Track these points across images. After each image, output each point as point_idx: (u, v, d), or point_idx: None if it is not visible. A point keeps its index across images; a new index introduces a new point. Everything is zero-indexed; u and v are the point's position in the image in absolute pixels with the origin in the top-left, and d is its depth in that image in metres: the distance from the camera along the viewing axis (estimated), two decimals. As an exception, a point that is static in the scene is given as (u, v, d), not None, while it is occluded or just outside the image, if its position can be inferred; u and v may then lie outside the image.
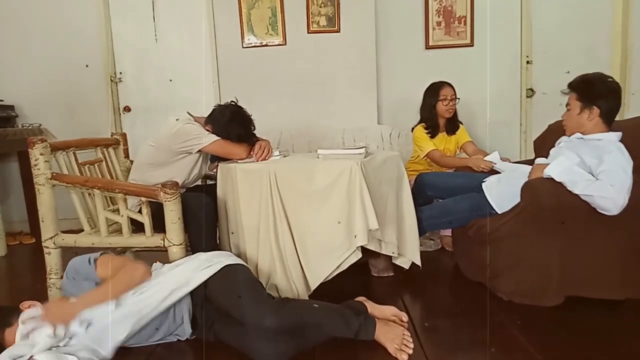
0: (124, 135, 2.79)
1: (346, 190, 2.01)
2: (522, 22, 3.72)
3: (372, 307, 1.82)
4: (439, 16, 3.70)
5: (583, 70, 2.07)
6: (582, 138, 2.03)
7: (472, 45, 3.72)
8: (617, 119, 2.07)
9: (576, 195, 1.84)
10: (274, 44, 3.62)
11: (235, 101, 2.37)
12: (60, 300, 1.68)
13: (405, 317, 1.82)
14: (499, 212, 2.11)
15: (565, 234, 1.93)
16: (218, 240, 2.33)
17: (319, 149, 2.26)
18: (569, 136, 2.10)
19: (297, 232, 2.09)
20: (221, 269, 1.74)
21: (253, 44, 3.62)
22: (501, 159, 2.58)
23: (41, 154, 2.10)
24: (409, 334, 1.70)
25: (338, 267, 2.05)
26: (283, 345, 1.59)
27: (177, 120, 2.28)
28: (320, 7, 3.55)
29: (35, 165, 2.10)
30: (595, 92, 1.98)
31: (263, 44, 3.62)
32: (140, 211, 2.12)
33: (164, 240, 2.04)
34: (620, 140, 1.96)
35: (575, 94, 2.04)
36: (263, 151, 2.27)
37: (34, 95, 3.75)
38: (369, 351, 1.65)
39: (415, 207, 2.34)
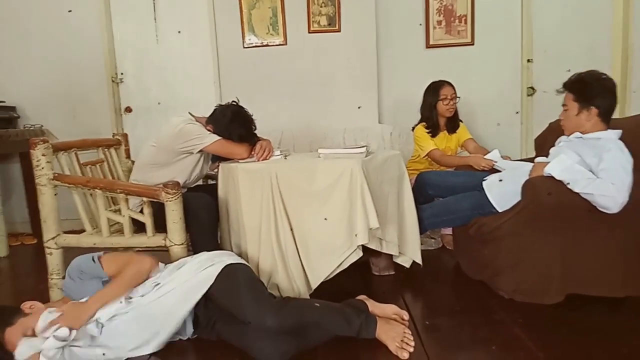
0: (125, 136, 2.80)
1: (347, 190, 2.01)
2: (522, 20, 3.72)
3: (373, 306, 1.83)
4: (439, 15, 3.70)
5: (584, 69, 2.06)
6: (581, 137, 2.03)
7: (473, 44, 3.72)
8: (618, 116, 2.07)
9: (577, 193, 1.84)
10: (274, 44, 3.62)
11: (237, 101, 2.38)
12: (75, 305, 1.67)
13: (406, 316, 1.82)
14: (500, 211, 2.11)
15: (566, 232, 1.93)
16: (219, 240, 2.34)
17: (320, 148, 2.27)
18: (568, 136, 2.10)
19: (298, 232, 2.09)
20: (223, 268, 1.75)
21: (254, 44, 3.62)
22: (502, 157, 2.58)
23: (43, 155, 2.11)
24: (410, 333, 1.70)
25: (339, 266, 2.05)
26: (284, 344, 1.59)
27: (178, 120, 2.29)
28: (321, 6, 3.55)
29: (37, 166, 2.11)
30: (592, 92, 1.98)
31: (264, 44, 3.62)
32: (141, 211, 2.13)
33: (165, 240, 2.05)
34: (620, 138, 1.96)
35: (571, 94, 2.04)
36: (264, 151, 2.28)
37: (36, 96, 3.76)
38: (370, 350, 1.66)
39: (416, 206, 2.34)
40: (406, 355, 1.60)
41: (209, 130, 2.30)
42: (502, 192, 2.14)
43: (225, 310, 1.71)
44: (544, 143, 2.41)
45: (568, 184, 1.86)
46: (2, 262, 3.17)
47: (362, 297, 1.90)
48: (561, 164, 1.92)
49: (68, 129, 3.65)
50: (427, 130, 2.98)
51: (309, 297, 2.04)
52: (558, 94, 2.11)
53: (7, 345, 1.56)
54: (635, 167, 1.88)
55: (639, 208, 1.86)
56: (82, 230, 2.26)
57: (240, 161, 2.28)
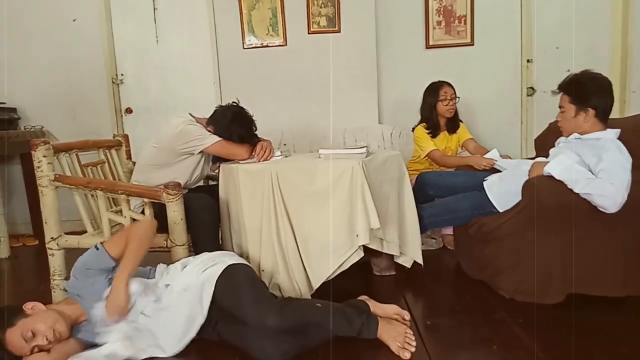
0: (125, 137, 2.80)
1: (348, 190, 2.02)
2: (522, 20, 3.73)
3: (375, 306, 1.83)
4: (439, 15, 3.71)
5: (583, 69, 2.06)
6: (579, 138, 2.03)
7: (473, 45, 3.73)
8: (617, 116, 2.07)
9: (577, 193, 1.84)
10: (274, 44, 3.63)
11: (237, 102, 2.38)
12: (110, 298, 1.69)
13: (407, 316, 1.83)
14: (500, 211, 2.11)
15: (567, 232, 1.93)
16: (220, 241, 2.34)
17: (320, 149, 2.27)
18: (567, 137, 2.10)
19: (299, 232, 2.10)
20: (225, 268, 1.75)
21: (254, 45, 3.63)
22: (501, 156, 2.58)
23: (44, 156, 2.11)
24: (412, 332, 1.70)
25: (340, 266, 2.06)
26: (286, 344, 1.59)
27: (179, 121, 2.29)
28: (321, 7, 3.56)
29: (38, 167, 2.12)
30: (589, 94, 1.97)
31: (264, 44, 3.63)
32: (143, 212, 2.13)
33: (167, 241, 2.05)
34: (619, 138, 1.96)
35: (567, 96, 2.03)
36: (265, 151, 2.28)
37: (36, 98, 3.77)
38: (371, 350, 1.66)
39: (416, 205, 2.35)
40: (408, 355, 1.61)
41: (209, 131, 2.30)
42: (503, 192, 2.15)
43: (226, 311, 1.71)
44: (544, 143, 2.41)
45: (568, 184, 1.86)
46: (4, 263, 3.17)
47: (363, 297, 1.91)
48: (561, 164, 1.92)
49: (68, 130, 3.65)
50: (428, 131, 2.98)
51: (310, 298, 2.04)
52: (553, 94, 2.10)
53: (9, 346, 1.56)
54: (636, 166, 1.88)
55: (639, 207, 1.87)
56: (84, 231, 2.26)
57: (240, 162, 2.28)
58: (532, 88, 3.78)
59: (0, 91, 3.63)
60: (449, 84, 3.00)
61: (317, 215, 2.07)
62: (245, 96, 2.52)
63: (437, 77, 3.08)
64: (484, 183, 2.26)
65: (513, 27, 3.74)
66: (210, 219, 2.21)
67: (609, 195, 1.78)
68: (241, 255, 2.06)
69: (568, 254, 1.94)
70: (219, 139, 2.27)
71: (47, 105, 3.77)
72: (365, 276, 2.42)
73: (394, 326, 1.71)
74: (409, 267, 2.35)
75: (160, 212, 2.06)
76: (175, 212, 2.01)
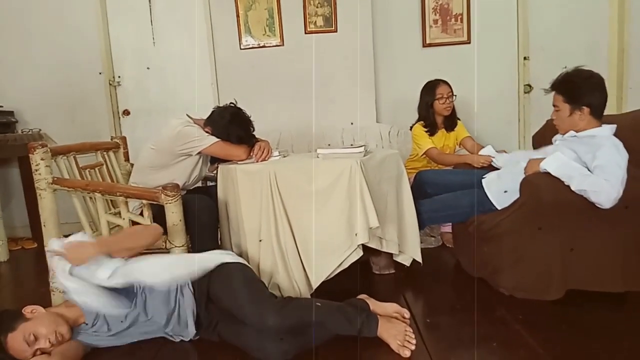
0: (123, 139, 2.80)
1: (346, 189, 2.02)
2: (518, 18, 3.73)
3: (374, 305, 1.83)
4: (435, 14, 3.71)
5: (575, 66, 2.05)
6: (575, 136, 2.03)
7: (469, 43, 3.73)
8: (615, 112, 2.07)
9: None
10: (271, 44, 3.63)
11: (235, 102, 2.38)
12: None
13: (407, 314, 1.83)
14: (499, 208, 2.12)
15: (565, 229, 1.94)
16: (219, 242, 2.34)
17: (319, 148, 2.27)
18: (563, 135, 2.10)
19: (298, 232, 2.10)
20: (224, 266, 1.76)
21: (251, 45, 3.63)
22: (497, 151, 2.59)
23: (42, 159, 2.11)
24: (411, 331, 1.71)
25: (339, 265, 2.06)
26: (286, 344, 1.60)
27: (177, 122, 2.29)
28: (317, 7, 3.56)
29: (36, 170, 2.11)
30: (582, 93, 1.97)
31: (261, 45, 3.63)
32: (141, 214, 2.13)
33: (165, 242, 2.05)
34: (616, 134, 1.96)
35: (561, 96, 2.03)
36: (263, 152, 2.28)
37: (34, 101, 3.76)
38: (371, 348, 1.66)
39: (414, 200, 2.35)
40: (408, 353, 1.61)
41: (207, 132, 2.31)
42: (501, 189, 2.15)
43: (226, 311, 1.72)
44: (542, 140, 2.41)
45: (564, 180, 1.87)
46: (3, 266, 3.17)
47: (363, 296, 1.91)
48: (557, 160, 1.93)
49: (66, 132, 3.65)
50: (425, 129, 2.99)
51: (310, 297, 2.04)
52: (546, 93, 2.10)
53: (10, 351, 1.56)
54: (634, 162, 1.89)
55: (638, 204, 1.87)
56: (82, 234, 2.26)
57: (239, 162, 2.28)
58: (529, 85, 3.79)
59: (-2, 94, 3.63)
60: (446, 82, 3.00)
61: (316, 215, 2.07)
62: (243, 97, 2.52)
63: (434, 75, 3.08)
64: (483, 181, 2.27)
65: (510, 24, 3.75)
66: (209, 220, 2.20)
67: (603, 191, 1.78)
68: (240, 256, 2.06)
69: (567, 250, 1.95)
70: (217, 140, 2.27)
71: (44, 108, 3.77)
72: (365, 275, 2.42)
73: (394, 324, 1.71)
74: (408, 265, 2.35)
75: (159, 213, 2.06)
76: (173, 213, 2.01)
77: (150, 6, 3.77)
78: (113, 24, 3.81)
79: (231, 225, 2.26)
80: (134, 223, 2.14)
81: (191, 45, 3.77)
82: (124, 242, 1.78)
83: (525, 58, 3.76)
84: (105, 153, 2.60)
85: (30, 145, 2.11)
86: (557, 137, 2.16)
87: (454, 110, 3.04)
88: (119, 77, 3.86)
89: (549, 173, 1.92)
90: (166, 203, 1.99)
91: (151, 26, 3.79)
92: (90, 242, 1.69)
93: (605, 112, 2.04)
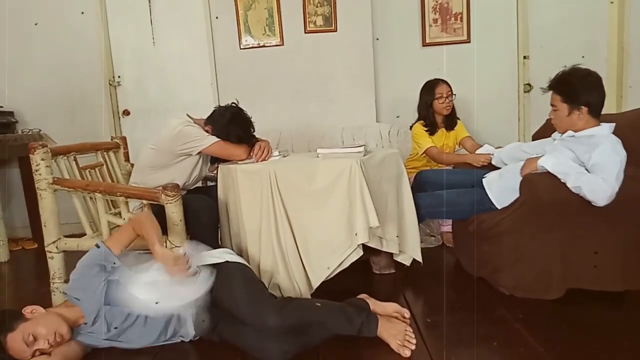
0: (124, 139, 2.80)
1: (346, 189, 2.02)
2: (518, 17, 3.73)
3: (374, 304, 1.84)
4: (435, 13, 3.71)
5: (580, 65, 2.04)
6: (573, 136, 2.02)
7: (469, 42, 3.73)
8: (615, 111, 2.07)
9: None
10: (271, 44, 3.63)
11: (236, 102, 2.38)
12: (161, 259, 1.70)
13: (407, 314, 1.83)
14: (499, 208, 2.12)
15: (565, 228, 1.94)
16: (220, 242, 2.34)
17: (319, 148, 2.27)
18: (561, 134, 2.10)
19: (299, 231, 2.10)
20: (224, 266, 1.77)
21: (250, 45, 3.63)
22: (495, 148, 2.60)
23: (42, 159, 2.11)
24: (411, 330, 1.71)
25: (340, 265, 2.06)
26: (286, 344, 1.59)
27: (177, 122, 2.29)
28: (317, 6, 3.56)
29: (37, 170, 2.11)
30: (580, 92, 1.96)
31: (260, 44, 3.63)
32: (142, 214, 2.13)
33: (166, 242, 2.05)
34: (615, 132, 1.96)
35: (559, 96, 2.02)
36: (263, 151, 2.28)
37: (34, 101, 3.76)
38: (372, 348, 1.66)
39: (414, 194, 2.36)
40: (408, 352, 1.61)
41: (207, 130, 2.31)
42: (502, 188, 2.15)
43: (227, 311, 1.72)
44: (542, 139, 2.41)
45: (561, 178, 1.88)
46: (3, 267, 3.17)
47: (363, 295, 1.91)
48: (554, 158, 1.94)
49: (66, 133, 3.64)
50: (425, 129, 2.99)
51: (310, 297, 2.05)
52: (544, 92, 2.10)
53: (10, 351, 1.56)
54: (634, 161, 1.89)
55: (638, 202, 1.87)
56: (83, 234, 2.26)
57: (239, 162, 2.28)
58: (529, 84, 3.79)
59: (-2, 95, 3.64)
60: (445, 82, 3.00)
61: (316, 215, 2.07)
62: (243, 96, 2.52)
63: (434, 74, 3.08)
64: (483, 180, 2.27)
65: (509, 23, 3.75)
66: (209, 220, 2.21)
67: (598, 189, 1.79)
68: (240, 256, 2.06)
69: (567, 249, 1.95)
70: (218, 139, 2.27)
71: (44, 109, 3.77)
72: (365, 275, 2.43)
73: (394, 324, 1.71)
74: (409, 265, 2.35)
75: (159, 213, 2.05)
76: (174, 213, 2.01)
77: (150, 6, 3.77)
78: (113, 24, 3.80)
79: (231, 225, 2.26)
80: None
81: (191, 45, 3.78)
82: (154, 228, 1.78)
83: (525, 57, 3.76)
84: (105, 153, 2.60)
85: (31, 145, 2.11)
86: (555, 135, 2.16)
87: (453, 109, 3.04)
88: (119, 77, 3.86)
89: (547, 172, 1.92)
90: (166, 203, 1.99)
91: (151, 26, 3.79)
92: (154, 250, 1.72)
93: (605, 111, 2.04)
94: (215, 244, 2.24)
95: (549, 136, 2.25)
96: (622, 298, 1.96)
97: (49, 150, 2.14)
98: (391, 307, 1.84)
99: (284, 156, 2.43)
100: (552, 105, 2.07)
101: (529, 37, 3.75)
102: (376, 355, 1.63)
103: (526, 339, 1.67)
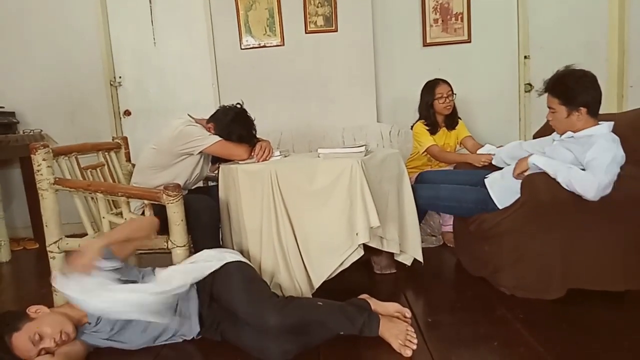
0: (125, 139, 2.80)
1: (347, 189, 2.02)
2: (519, 17, 3.73)
3: (376, 304, 1.84)
4: (435, 13, 3.71)
5: (581, 65, 2.04)
6: (572, 137, 2.02)
7: (470, 42, 3.74)
8: (615, 111, 2.07)
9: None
10: (272, 44, 3.63)
11: (241, 103, 2.39)
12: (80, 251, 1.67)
13: (408, 313, 1.83)
14: (500, 208, 2.12)
15: (566, 228, 1.94)
16: (221, 242, 2.34)
17: (319, 148, 2.28)
18: (561, 135, 2.10)
19: (300, 231, 2.10)
20: (227, 264, 1.77)
21: (251, 46, 3.63)
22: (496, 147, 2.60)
23: (44, 160, 2.12)
24: (413, 330, 1.71)
25: (341, 265, 2.06)
26: (287, 344, 1.60)
27: (178, 122, 2.30)
28: (318, 7, 3.56)
29: (38, 170, 2.12)
30: (578, 94, 1.96)
31: (261, 45, 3.63)
32: (143, 214, 2.13)
33: (167, 243, 2.06)
34: (614, 131, 1.96)
35: (557, 98, 2.01)
36: (264, 151, 2.29)
37: (35, 101, 3.76)
38: (373, 347, 1.67)
39: (413, 187, 2.36)
40: (409, 352, 1.61)
41: (209, 128, 2.32)
42: (503, 188, 2.15)
43: (228, 311, 1.72)
44: (542, 137, 2.41)
45: (550, 174, 1.90)
46: (5, 267, 3.17)
47: (364, 295, 1.91)
48: (544, 155, 1.96)
49: (67, 133, 3.65)
50: (427, 128, 2.99)
51: (311, 297, 2.05)
52: (539, 95, 2.10)
53: (15, 351, 1.57)
54: (634, 161, 1.89)
55: (638, 202, 1.87)
56: (84, 234, 2.27)
57: (240, 162, 2.29)
58: (529, 84, 3.79)
59: (-1, 95, 3.64)
60: (445, 82, 3.00)
61: (317, 215, 2.07)
62: (244, 97, 2.52)
63: (435, 74, 3.08)
64: (485, 180, 2.27)
65: (510, 23, 3.75)
66: (210, 220, 2.21)
67: (587, 182, 1.80)
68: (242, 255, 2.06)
69: (568, 249, 1.95)
70: (219, 139, 2.27)
71: (45, 109, 3.77)
72: (366, 274, 2.43)
73: (395, 324, 1.72)
74: (410, 265, 2.35)
75: (160, 213, 2.06)
76: (175, 213, 2.01)
77: (150, 6, 3.77)
78: (113, 25, 3.81)
79: (232, 225, 2.26)
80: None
81: (192, 46, 3.78)
82: (122, 231, 1.78)
83: (525, 57, 3.76)
84: (106, 153, 2.61)
85: (32, 145, 2.12)
86: (555, 136, 2.16)
87: (454, 109, 3.04)
88: (120, 77, 3.86)
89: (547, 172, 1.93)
90: (167, 203, 1.99)
91: (152, 26, 3.79)
92: (89, 242, 1.69)
93: (606, 111, 2.05)
94: (216, 243, 2.25)
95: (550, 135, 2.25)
96: (623, 298, 1.96)
97: (51, 151, 2.15)
98: (392, 307, 1.84)
99: (285, 156, 2.43)
100: (549, 107, 2.07)
101: (529, 37, 3.75)
102: (377, 355, 1.64)
103: (526, 339, 1.68)
